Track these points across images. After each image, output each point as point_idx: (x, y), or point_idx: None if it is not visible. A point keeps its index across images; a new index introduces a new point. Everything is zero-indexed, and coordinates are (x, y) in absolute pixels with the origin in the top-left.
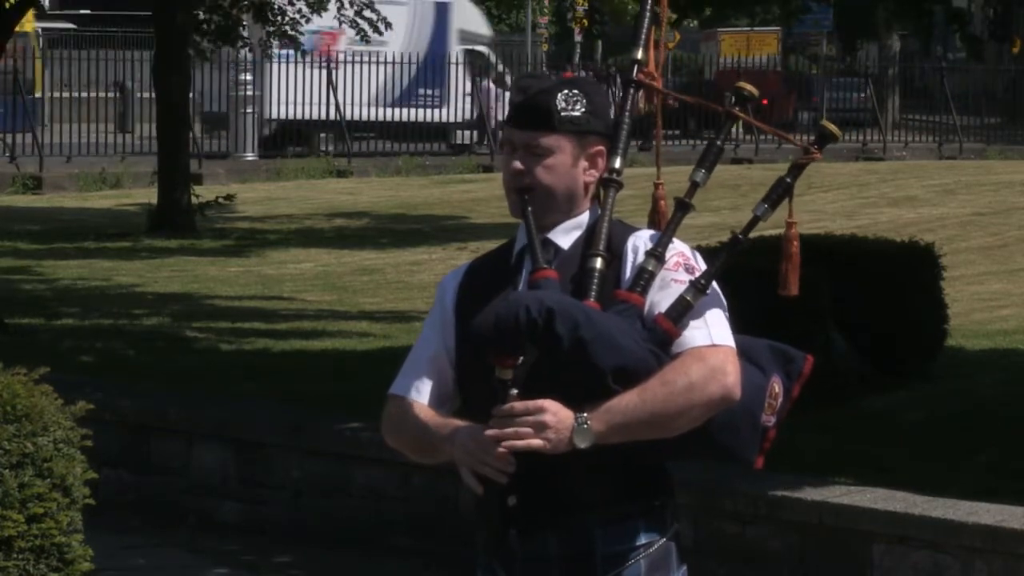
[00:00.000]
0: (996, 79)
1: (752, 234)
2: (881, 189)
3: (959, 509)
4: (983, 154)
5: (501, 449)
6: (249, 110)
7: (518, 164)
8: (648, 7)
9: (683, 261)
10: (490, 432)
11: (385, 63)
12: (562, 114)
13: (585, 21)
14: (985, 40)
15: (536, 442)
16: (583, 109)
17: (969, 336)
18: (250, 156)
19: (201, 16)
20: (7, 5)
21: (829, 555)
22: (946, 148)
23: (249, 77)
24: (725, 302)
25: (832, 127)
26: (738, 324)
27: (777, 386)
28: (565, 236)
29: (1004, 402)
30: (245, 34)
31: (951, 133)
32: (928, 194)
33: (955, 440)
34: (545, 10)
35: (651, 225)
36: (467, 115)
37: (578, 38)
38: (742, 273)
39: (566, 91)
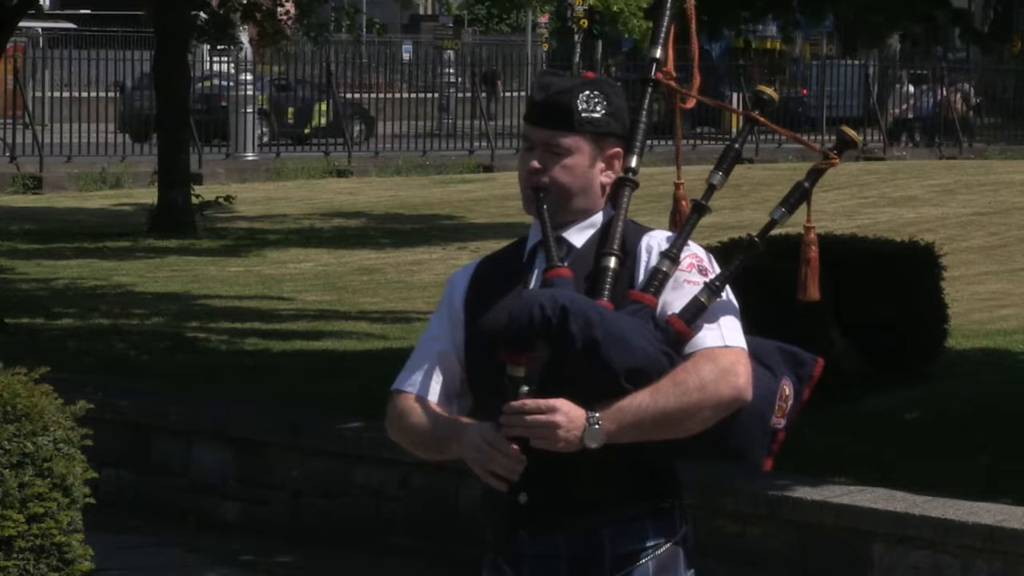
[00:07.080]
0: (996, 79)
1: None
2: (881, 189)
3: (959, 509)
4: (983, 154)
5: (513, 447)
6: (249, 110)
7: (535, 163)
8: (669, 5)
9: (696, 263)
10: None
11: None
12: (582, 115)
13: (585, 21)
14: (987, 38)
15: (547, 440)
16: (603, 111)
17: (969, 336)
18: (250, 156)
19: (199, 15)
20: (7, 4)
21: (829, 555)
22: (946, 148)
23: (249, 77)
24: (738, 305)
25: (851, 132)
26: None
27: (787, 388)
28: (579, 235)
29: (1004, 402)
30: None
31: (951, 133)
32: (928, 194)
33: (955, 440)
34: (545, 8)
35: (671, 226)
36: None
37: (578, 38)
38: (743, 273)
39: (587, 92)
